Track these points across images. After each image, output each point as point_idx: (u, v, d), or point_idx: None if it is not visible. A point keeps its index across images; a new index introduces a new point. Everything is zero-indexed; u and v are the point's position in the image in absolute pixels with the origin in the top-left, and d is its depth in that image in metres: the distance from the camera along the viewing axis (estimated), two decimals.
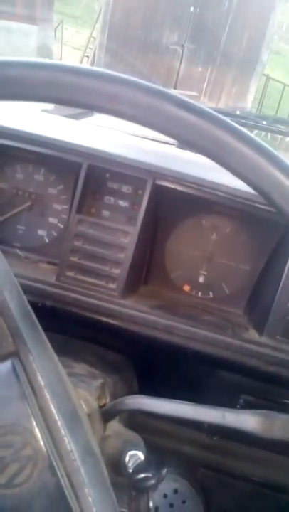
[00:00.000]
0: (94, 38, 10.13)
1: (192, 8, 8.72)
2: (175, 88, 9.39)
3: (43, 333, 0.43)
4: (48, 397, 0.38)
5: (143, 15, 8.90)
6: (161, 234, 0.91)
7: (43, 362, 0.40)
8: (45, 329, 0.44)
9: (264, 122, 1.26)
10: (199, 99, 9.45)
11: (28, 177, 0.92)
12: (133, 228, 0.83)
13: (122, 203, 0.86)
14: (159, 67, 9.25)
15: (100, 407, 0.62)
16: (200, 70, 9.20)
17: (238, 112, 1.27)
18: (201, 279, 0.93)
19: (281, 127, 1.27)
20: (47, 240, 0.94)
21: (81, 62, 10.18)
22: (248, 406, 0.96)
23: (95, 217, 0.86)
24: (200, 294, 0.95)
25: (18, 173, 0.92)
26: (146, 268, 0.92)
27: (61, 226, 0.92)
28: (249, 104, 9.43)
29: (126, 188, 0.85)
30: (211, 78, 9.25)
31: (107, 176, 0.85)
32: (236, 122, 1.20)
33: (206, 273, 0.92)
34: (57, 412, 0.37)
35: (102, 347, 0.89)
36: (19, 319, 0.42)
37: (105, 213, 0.87)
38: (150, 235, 0.89)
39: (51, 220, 0.93)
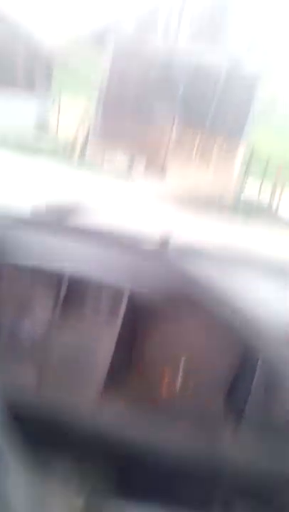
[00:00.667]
0: (91, 107, 10.69)
1: (183, 84, 9.38)
2: (166, 153, 9.83)
3: (18, 452, 0.45)
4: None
5: (138, 89, 9.51)
6: (139, 335, 0.94)
7: (19, 484, 0.41)
8: (24, 439, 0.45)
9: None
10: (189, 166, 9.87)
11: (14, 281, 0.96)
12: (111, 334, 0.87)
13: (101, 306, 0.91)
14: (151, 135, 9.74)
15: None
16: (190, 139, 9.71)
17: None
18: (180, 377, 0.95)
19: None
20: (29, 342, 0.97)
21: (78, 129, 10.68)
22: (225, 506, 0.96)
23: (75, 323, 0.90)
24: (179, 382, 0.96)
25: (4, 278, 0.96)
26: (125, 368, 0.95)
27: (44, 328, 0.95)
28: (236, 171, 9.89)
29: (105, 292, 0.90)
30: (200, 147, 9.77)
31: (88, 284, 0.90)
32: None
33: (184, 371, 0.95)
34: None
35: (78, 457, 0.89)
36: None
37: (85, 319, 0.91)
38: (128, 339, 0.92)
39: (34, 322, 0.96)
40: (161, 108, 9.57)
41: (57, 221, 1.42)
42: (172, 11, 8.97)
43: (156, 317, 0.93)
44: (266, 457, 0.84)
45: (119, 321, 0.87)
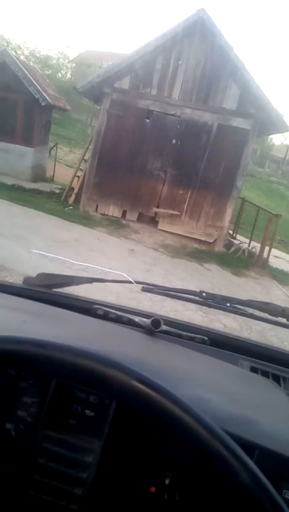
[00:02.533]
0: (85, 160, 11.04)
1: (174, 141, 9.75)
2: (158, 207, 10.09)
3: None
4: None
5: (130, 144, 9.87)
6: (127, 439, 0.91)
7: None
8: None
9: (228, 304, 1.37)
10: (180, 218, 10.10)
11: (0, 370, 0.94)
12: (98, 443, 0.84)
13: (88, 413, 0.88)
14: (144, 189, 10.01)
15: None
16: (181, 192, 9.96)
17: (204, 294, 1.37)
18: (167, 481, 0.92)
19: (243, 309, 1.38)
20: (13, 434, 0.94)
21: (72, 182, 10.97)
22: None
23: (60, 429, 0.87)
24: (166, 496, 0.92)
25: None
26: (110, 473, 0.91)
27: (29, 420, 0.92)
28: (226, 223, 10.08)
29: (93, 398, 0.88)
30: (191, 200, 9.99)
31: (76, 386, 0.88)
32: (202, 303, 1.28)
33: (172, 474, 0.92)
34: None
35: None
36: None
37: (71, 422, 0.89)
38: (115, 445, 0.89)
39: (20, 413, 0.93)
40: (155, 161, 9.89)
41: (47, 291, 1.42)
42: (168, 70, 9.49)
43: (145, 424, 0.91)
44: None
45: (106, 429, 0.85)
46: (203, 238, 10.04)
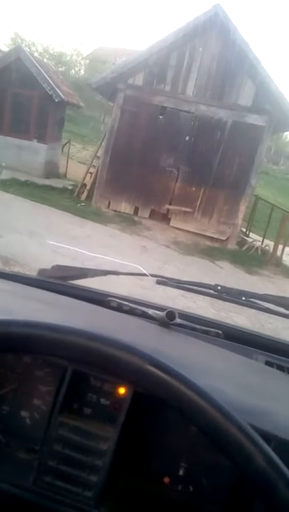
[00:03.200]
0: (98, 156, 11.05)
1: (187, 137, 9.70)
2: (170, 204, 10.06)
3: None
4: None
5: (143, 141, 9.85)
6: (141, 428, 0.91)
7: None
8: None
9: (243, 298, 1.35)
10: (193, 215, 10.06)
11: (17, 359, 0.94)
12: (113, 431, 0.83)
13: (103, 401, 0.88)
14: (156, 186, 9.98)
15: None
16: (194, 189, 9.92)
17: (219, 287, 1.36)
18: (181, 472, 0.91)
19: (258, 303, 1.36)
20: (29, 422, 0.94)
21: (84, 178, 11.00)
22: None
23: (76, 416, 0.87)
24: (180, 487, 0.92)
25: (7, 355, 0.94)
26: (125, 462, 0.90)
27: (44, 408, 0.92)
28: (240, 221, 10.01)
29: (108, 387, 0.88)
30: (204, 197, 9.94)
31: (92, 374, 0.88)
32: (217, 297, 1.26)
33: (185, 466, 0.91)
34: None
35: None
36: None
37: (87, 410, 0.88)
38: (130, 434, 0.88)
39: (35, 401, 0.93)
40: (168, 158, 9.86)
41: (61, 283, 1.42)
42: (182, 66, 9.44)
43: (159, 415, 0.90)
44: None
45: (122, 418, 0.84)
46: (215, 236, 9.99)
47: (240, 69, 9.14)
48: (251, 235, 11.53)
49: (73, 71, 30.41)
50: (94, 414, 0.87)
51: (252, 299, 1.36)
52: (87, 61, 32.49)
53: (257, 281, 8.06)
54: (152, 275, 1.36)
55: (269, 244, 10.21)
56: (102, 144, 10.75)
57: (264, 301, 1.37)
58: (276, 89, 8.98)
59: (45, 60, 16.74)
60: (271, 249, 9.77)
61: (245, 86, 9.30)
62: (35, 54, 16.86)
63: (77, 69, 31.83)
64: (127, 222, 9.66)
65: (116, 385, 0.85)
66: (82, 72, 31.67)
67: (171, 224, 10.13)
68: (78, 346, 0.64)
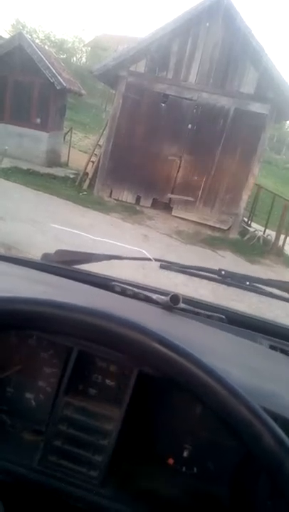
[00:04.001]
0: (100, 145, 10.99)
1: (190, 126, 9.63)
2: (172, 193, 10.02)
3: None
4: None
5: (145, 129, 9.78)
6: (146, 409, 0.91)
7: None
8: None
9: (247, 283, 1.35)
10: (195, 204, 10.03)
11: (21, 341, 0.94)
12: (118, 411, 0.83)
13: (108, 382, 0.88)
14: (158, 174, 9.94)
15: None
16: (196, 178, 9.87)
17: (222, 272, 1.36)
18: (186, 453, 0.92)
19: (261, 287, 1.36)
20: (34, 404, 0.94)
21: (86, 167, 10.95)
22: None
23: (81, 397, 0.87)
24: (184, 468, 0.92)
25: (12, 337, 0.94)
26: (130, 443, 0.91)
27: (50, 389, 0.92)
28: (242, 210, 9.98)
29: (113, 368, 0.88)
30: (206, 186, 9.90)
31: (97, 356, 0.88)
32: (221, 282, 1.26)
33: (190, 448, 0.91)
34: None
35: None
36: None
37: (92, 391, 0.88)
38: (135, 415, 0.89)
39: (40, 383, 0.93)
40: (170, 147, 9.80)
41: (65, 267, 1.42)
42: (184, 53, 9.33)
43: (164, 396, 0.91)
44: None
45: (126, 399, 0.84)
46: (217, 225, 9.97)
47: (243, 56, 9.03)
48: (253, 224, 11.50)
49: (75, 58, 30.11)
50: (99, 395, 0.88)
51: (256, 284, 1.36)
52: (89, 48, 32.10)
53: (258, 271, 8.05)
54: (156, 260, 1.36)
55: (271, 234, 10.18)
56: (104, 132, 10.67)
57: (268, 286, 1.37)
58: (279, 77, 8.88)
59: (46, 47, 16.55)
60: (273, 239, 9.74)
61: (248, 73, 9.19)
62: (37, 41, 16.64)
63: (78, 56, 31.52)
64: (129, 211, 9.64)
65: (121, 366, 0.85)
66: (84, 59, 31.35)
67: (173, 213, 10.10)
68: (88, 324, 0.65)
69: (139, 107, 9.70)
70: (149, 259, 1.37)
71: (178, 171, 9.94)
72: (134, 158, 9.85)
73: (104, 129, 10.91)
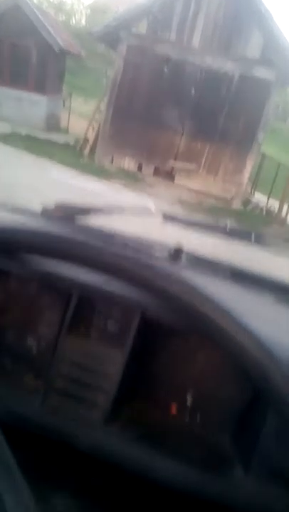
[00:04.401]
0: (100, 110, 10.74)
1: (193, 91, 9.37)
2: (175, 161, 9.85)
3: (18, 472, 0.42)
4: None
5: (147, 94, 9.52)
6: (149, 354, 0.90)
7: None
8: (23, 456, 0.42)
9: (252, 237, 1.31)
10: (198, 172, 9.88)
11: (21, 286, 0.92)
12: (121, 354, 0.82)
13: (111, 326, 0.86)
14: (160, 141, 9.74)
15: None
16: (199, 146, 9.69)
17: (227, 227, 1.31)
18: (189, 402, 0.91)
19: (267, 242, 1.32)
20: (35, 348, 0.93)
21: (87, 133, 10.73)
22: None
23: (83, 340, 0.85)
24: (187, 417, 0.91)
25: (12, 282, 0.92)
26: (133, 387, 0.90)
27: (51, 334, 0.91)
28: (245, 179, 9.84)
29: (116, 311, 0.86)
30: (209, 154, 9.72)
31: (98, 299, 0.86)
32: (226, 237, 1.23)
33: (193, 396, 0.90)
34: None
35: (82, 479, 0.85)
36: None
37: (94, 335, 0.87)
38: (138, 359, 0.88)
39: (41, 327, 0.92)
40: (172, 113, 9.57)
41: (66, 220, 1.39)
42: (187, 13, 8.97)
43: (167, 342, 0.89)
44: (274, 507, 0.78)
45: (129, 342, 0.82)
46: (220, 194, 9.85)
47: (249, 19, 8.67)
48: (256, 194, 11.37)
49: (74, 20, 29.09)
50: (101, 338, 0.86)
51: (260, 238, 1.32)
52: (89, 11, 30.97)
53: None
54: (159, 213, 1.32)
55: (274, 204, 10.08)
56: (105, 98, 10.40)
57: (271, 242, 1.34)
58: (285, 41, 8.57)
59: (44, 8, 15.92)
60: (276, 210, 9.65)
61: (253, 37, 8.86)
62: (34, 1, 16.02)
63: (77, 18, 30.43)
64: (130, 178, 9.51)
65: (124, 309, 0.83)
66: (84, 22, 30.27)
67: (175, 181, 9.97)
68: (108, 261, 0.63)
69: (141, 70, 9.40)
70: (152, 212, 1.33)
71: (180, 138, 9.74)
72: (136, 124, 9.63)
73: (104, 94, 10.63)
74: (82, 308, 0.85)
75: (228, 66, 9.08)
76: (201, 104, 9.40)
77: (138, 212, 1.42)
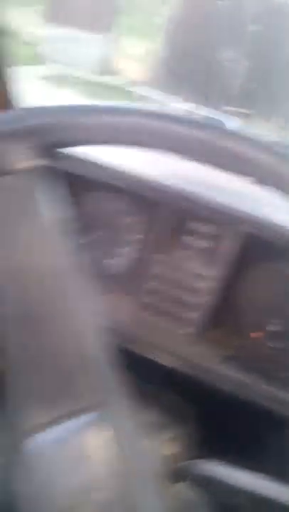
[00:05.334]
0: (153, 51, 10.23)
1: (251, 27, 8.66)
2: (228, 105, 9.33)
3: (122, 385, 0.41)
4: (123, 452, 0.36)
5: (204, 32, 8.90)
6: (238, 277, 0.88)
7: (121, 417, 0.38)
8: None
9: None
10: (253, 118, 9.33)
11: (108, 197, 0.89)
12: (213, 272, 0.80)
13: (201, 244, 0.83)
14: (215, 82, 9.22)
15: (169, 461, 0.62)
16: (257, 89, 9.09)
17: None
18: (275, 328, 0.90)
19: None
20: (123, 269, 0.92)
21: (139, 72, 10.31)
22: None
23: (172, 257, 0.84)
24: (272, 343, 0.91)
25: (101, 200, 0.90)
26: (220, 310, 0.89)
27: (137, 256, 0.89)
28: None
29: (207, 228, 0.82)
30: (266, 99, 9.12)
31: (188, 214, 0.83)
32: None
33: (280, 322, 0.89)
34: (132, 470, 0.35)
35: (171, 395, 0.87)
36: (104, 371, 0.40)
37: (183, 253, 0.84)
38: (228, 279, 0.85)
39: (128, 249, 0.91)
40: (228, 53, 8.96)
41: None
42: None
43: (261, 257, 0.86)
44: None
45: (222, 260, 0.79)
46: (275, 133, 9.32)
47: None
48: None
49: None
50: (191, 256, 0.84)
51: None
52: None
53: None
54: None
55: None
56: (158, 38, 9.85)
57: None
58: None
59: None
60: None
61: None
62: None
63: None
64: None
65: (216, 228, 0.80)
66: None
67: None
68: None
69: (198, 6, 8.75)
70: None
71: (236, 81, 9.17)
72: (191, 66, 9.12)
73: (158, 35, 10.05)
74: (170, 221, 0.82)
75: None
76: (262, 43, 8.71)
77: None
